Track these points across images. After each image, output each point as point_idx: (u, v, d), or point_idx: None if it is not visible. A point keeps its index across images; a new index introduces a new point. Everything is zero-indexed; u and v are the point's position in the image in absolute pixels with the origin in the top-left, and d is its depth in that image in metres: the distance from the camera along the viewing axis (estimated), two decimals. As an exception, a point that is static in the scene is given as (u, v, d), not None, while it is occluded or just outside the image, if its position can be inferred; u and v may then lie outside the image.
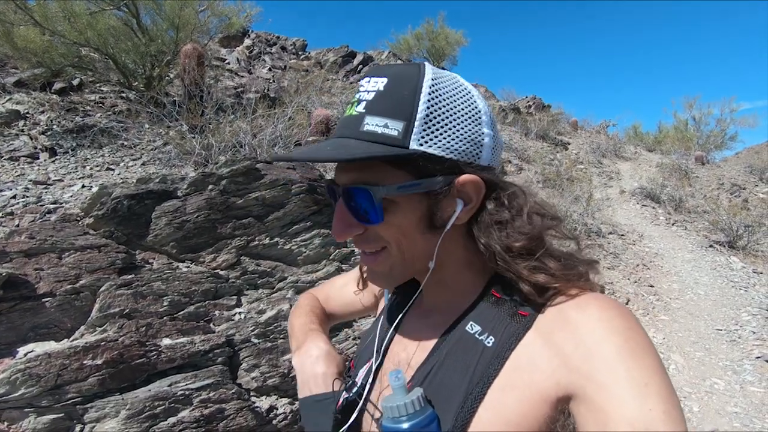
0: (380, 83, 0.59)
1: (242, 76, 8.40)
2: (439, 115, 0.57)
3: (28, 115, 4.46)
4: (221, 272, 2.84)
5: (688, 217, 9.50)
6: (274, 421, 2.35)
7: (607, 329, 0.51)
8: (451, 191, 0.59)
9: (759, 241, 7.98)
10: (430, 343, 0.65)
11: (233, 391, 2.27)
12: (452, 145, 0.58)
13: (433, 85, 0.58)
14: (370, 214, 0.59)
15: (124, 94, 5.63)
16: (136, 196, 2.79)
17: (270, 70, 9.71)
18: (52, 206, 3.03)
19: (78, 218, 2.80)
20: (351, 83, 10.88)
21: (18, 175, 3.50)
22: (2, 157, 3.73)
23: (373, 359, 0.71)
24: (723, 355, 4.52)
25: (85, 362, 2.00)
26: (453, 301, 0.66)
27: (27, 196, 3.14)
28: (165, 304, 2.45)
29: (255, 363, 2.46)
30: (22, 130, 4.19)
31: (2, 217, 2.83)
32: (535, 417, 0.51)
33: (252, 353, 2.48)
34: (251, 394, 2.40)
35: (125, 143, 4.48)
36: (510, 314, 0.59)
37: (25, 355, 1.97)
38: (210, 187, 3.01)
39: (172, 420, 2.07)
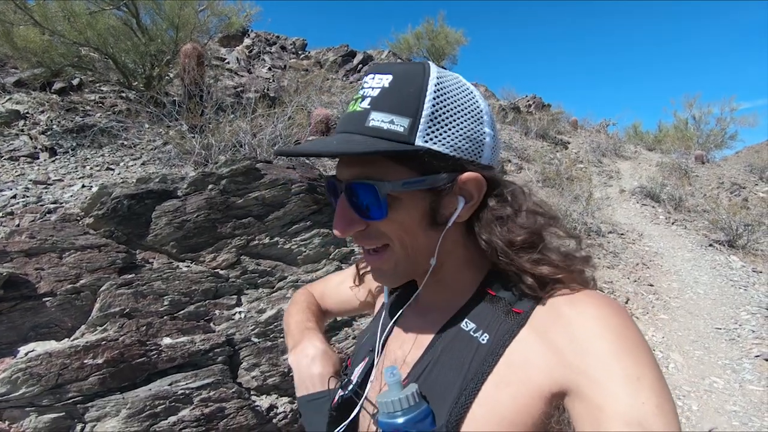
0: (385, 80, 0.59)
1: (242, 76, 8.40)
2: (444, 113, 0.58)
3: (28, 115, 4.47)
4: (221, 272, 2.84)
5: (687, 216, 9.50)
6: (274, 420, 2.36)
7: (601, 326, 0.52)
8: (453, 188, 0.60)
9: (759, 240, 7.98)
10: (426, 341, 0.66)
11: (233, 390, 2.28)
12: (456, 143, 0.59)
13: (438, 84, 0.59)
14: (372, 209, 0.59)
15: (123, 94, 5.63)
16: (136, 195, 2.79)
17: (270, 69, 9.71)
18: (52, 206, 3.03)
19: (78, 218, 2.81)
20: (351, 83, 10.88)
21: (18, 175, 3.51)
22: (2, 156, 3.74)
23: (375, 357, 0.72)
24: (722, 353, 4.53)
25: (85, 361, 2.01)
26: (450, 300, 0.67)
27: (27, 196, 3.14)
28: (165, 303, 2.45)
29: (255, 362, 2.47)
30: (22, 130, 4.20)
31: (2, 216, 2.84)
32: (529, 413, 0.52)
33: (252, 352, 2.48)
34: (251, 393, 2.40)
35: (125, 143, 4.48)
36: (505, 312, 0.60)
37: (26, 354, 1.98)
38: (210, 186, 3.02)
39: (172, 419, 2.08)
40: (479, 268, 0.67)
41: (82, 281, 2.33)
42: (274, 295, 2.90)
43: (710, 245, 7.84)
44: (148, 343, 2.20)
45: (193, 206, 2.89)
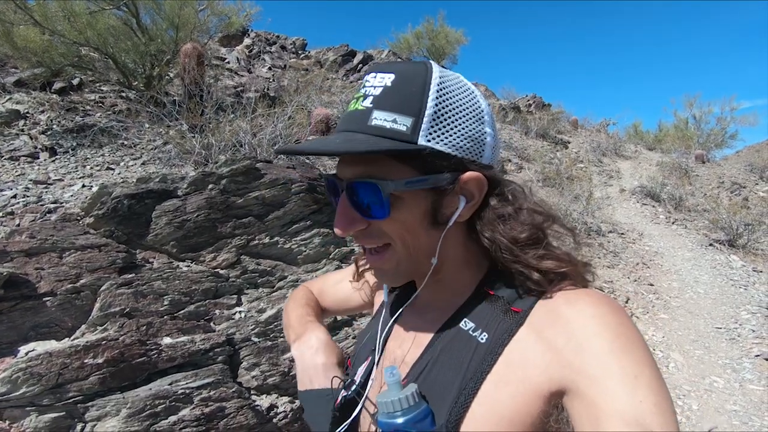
0: (387, 79, 0.59)
1: (242, 76, 8.40)
2: (446, 113, 0.58)
3: (28, 115, 4.47)
4: (221, 271, 2.84)
5: (688, 215, 9.50)
6: (274, 420, 2.36)
7: (599, 324, 0.52)
8: (455, 188, 0.60)
9: (759, 239, 7.98)
10: (425, 340, 0.66)
11: (234, 389, 2.28)
12: (458, 143, 0.59)
13: (440, 83, 0.59)
14: (374, 208, 0.59)
15: (124, 94, 5.63)
16: (136, 195, 2.80)
17: (270, 69, 9.70)
18: (52, 206, 3.04)
19: (78, 218, 2.81)
20: (351, 82, 10.88)
21: (18, 175, 3.51)
22: (2, 156, 3.74)
23: (375, 357, 0.72)
24: (722, 353, 4.53)
25: (86, 361, 2.01)
26: (449, 299, 0.67)
27: (27, 196, 3.14)
28: (165, 303, 2.45)
29: (255, 362, 2.47)
30: (22, 130, 4.20)
31: (3, 216, 2.84)
32: (528, 412, 0.52)
33: (252, 352, 2.49)
34: (252, 392, 2.40)
35: (125, 143, 4.49)
36: (503, 311, 0.60)
37: (26, 354, 1.98)
38: (210, 186, 3.02)
39: (172, 418, 2.08)
40: (478, 268, 0.67)
41: (82, 281, 2.33)
42: (274, 294, 2.90)
43: (710, 245, 7.84)
44: (148, 342, 2.20)
45: (194, 206, 2.89)
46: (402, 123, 0.57)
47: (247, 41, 10.84)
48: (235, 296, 2.77)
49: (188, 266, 2.76)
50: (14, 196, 3.11)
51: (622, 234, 7.77)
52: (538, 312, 0.58)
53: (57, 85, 5.20)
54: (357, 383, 0.70)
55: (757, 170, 13.00)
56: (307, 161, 4.56)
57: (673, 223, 8.92)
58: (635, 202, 9.96)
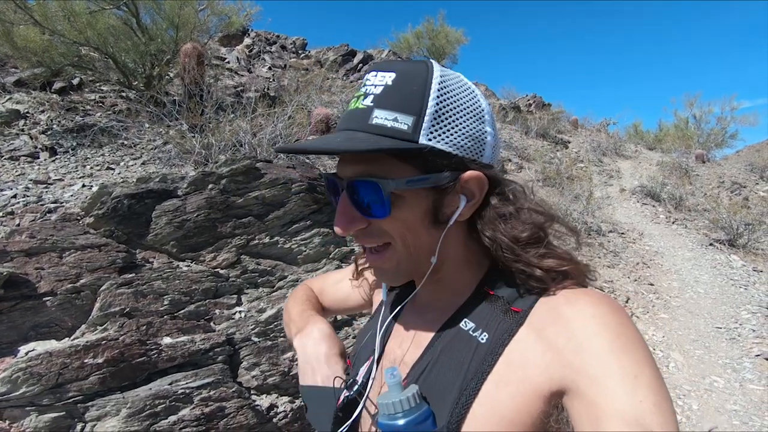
0: (388, 77, 0.59)
1: (242, 75, 8.40)
2: (448, 112, 0.58)
3: (28, 115, 4.47)
4: (221, 271, 2.84)
5: (688, 215, 9.50)
6: (274, 420, 2.36)
7: (599, 324, 0.52)
8: (455, 187, 0.60)
9: (759, 239, 7.98)
10: (425, 340, 0.65)
11: (234, 389, 2.28)
12: (458, 142, 0.59)
13: (441, 82, 0.59)
14: (375, 207, 0.59)
15: (124, 94, 5.63)
16: (136, 195, 2.80)
17: (270, 69, 9.70)
18: (52, 205, 3.04)
19: (78, 217, 2.81)
20: (351, 82, 10.88)
21: (18, 175, 3.51)
22: (2, 156, 3.74)
23: (374, 357, 0.72)
24: (723, 353, 4.53)
25: (86, 361, 2.01)
26: (449, 299, 0.67)
27: (27, 196, 3.14)
28: (165, 302, 2.45)
29: (255, 361, 2.47)
30: (23, 130, 4.20)
31: (3, 216, 2.84)
32: (528, 412, 0.52)
33: (252, 352, 2.49)
34: (252, 392, 2.40)
35: (125, 142, 4.48)
36: (503, 310, 0.60)
37: (26, 354, 1.98)
38: (210, 186, 3.02)
39: (172, 418, 2.08)
40: (479, 267, 0.67)
41: (82, 281, 2.33)
42: (274, 294, 2.90)
43: (711, 244, 7.84)
44: (148, 342, 2.21)
45: (193, 206, 2.89)
46: (403, 122, 0.56)
47: (247, 41, 10.83)
48: (235, 296, 2.77)
49: (188, 266, 2.76)
50: (14, 196, 3.11)
51: (623, 234, 7.77)
52: (538, 311, 0.58)
53: (57, 85, 5.20)
54: (359, 383, 0.70)
55: (757, 170, 13.00)
56: (307, 161, 4.56)
57: (673, 222, 8.92)
58: (635, 201, 9.96)
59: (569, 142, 14.22)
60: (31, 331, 2.12)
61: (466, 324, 0.62)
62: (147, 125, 4.87)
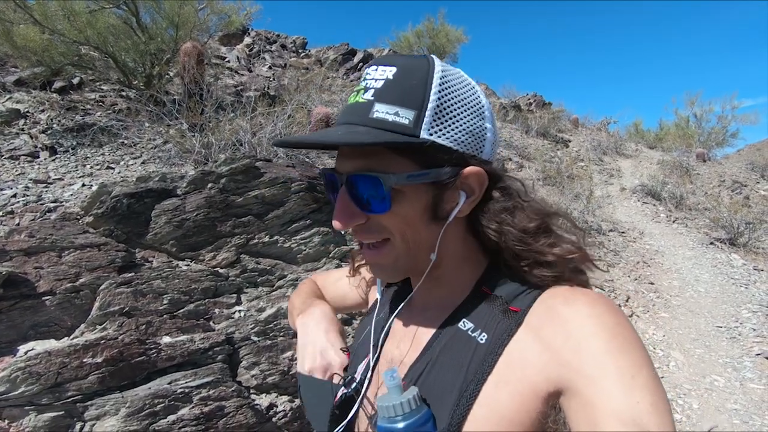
0: (389, 72, 0.58)
1: (242, 75, 8.40)
2: (449, 107, 0.58)
3: (28, 114, 4.47)
4: (221, 270, 2.84)
5: (689, 214, 9.49)
6: (273, 419, 2.36)
7: (596, 324, 0.52)
8: (455, 183, 0.59)
9: (760, 238, 7.97)
10: (423, 341, 0.65)
11: (233, 388, 2.28)
12: (459, 137, 0.58)
13: (443, 77, 0.58)
14: (375, 202, 0.59)
15: (124, 93, 5.63)
16: (135, 194, 2.79)
17: (270, 68, 9.69)
18: (52, 205, 3.03)
19: (78, 217, 2.81)
20: (351, 81, 10.86)
21: (18, 174, 3.51)
22: (2, 155, 3.74)
23: (371, 355, 0.71)
24: (723, 352, 4.52)
25: (85, 360, 2.01)
26: (446, 298, 0.66)
27: (27, 195, 3.14)
28: (165, 302, 2.45)
29: (255, 361, 2.46)
30: (23, 129, 4.20)
31: (2, 215, 2.84)
32: (527, 412, 0.52)
33: (252, 351, 2.48)
34: (251, 391, 2.40)
35: (125, 142, 4.48)
36: (502, 310, 0.60)
37: (26, 353, 1.98)
38: (209, 185, 3.01)
39: (172, 417, 2.08)
40: (477, 264, 0.66)
41: (81, 280, 2.33)
42: (273, 293, 2.89)
43: (711, 243, 7.83)
44: (147, 341, 2.20)
45: (193, 205, 2.89)
46: (404, 116, 0.56)
47: (247, 40, 10.83)
48: (235, 295, 2.76)
49: (188, 265, 2.76)
50: (14, 195, 3.11)
51: (623, 233, 7.76)
52: (536, 311, 0.58)
53: (57, 84, 5.20)
54: (357, 381, 0.69)
55: (758, 169, 12.98)
56: (307, 160, 4.56)
57: (673, 221, 8.91)
58: (636, 200, 9.95)
59: (570, 141, 14.21)
60: (30, 331, 2.12)
61: (465, 324, 0.61)
62: (147, 124, 4.86)
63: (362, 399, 0.67)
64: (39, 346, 2.05)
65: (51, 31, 5.00)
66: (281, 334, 2.65)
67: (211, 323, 2.55)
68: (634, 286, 5.82)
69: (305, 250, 3.16)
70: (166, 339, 2.28)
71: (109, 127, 4.53)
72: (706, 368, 4.24)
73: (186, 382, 2.17)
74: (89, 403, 1.97)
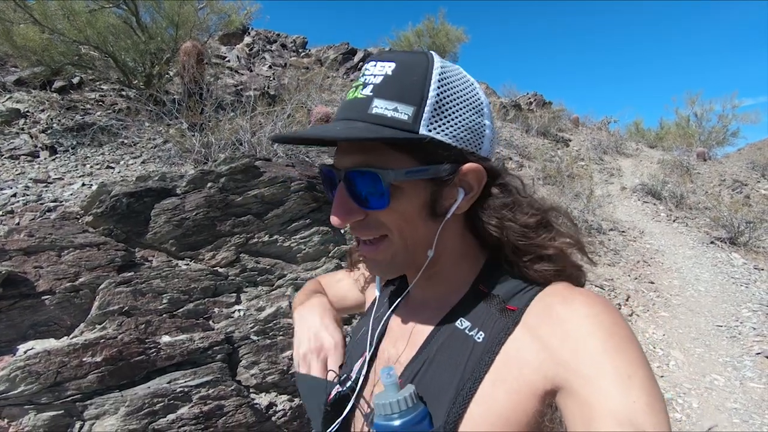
0: (388, 67, 0.58)
1: (242, 74, 8.39)
2: (448, 103, 0.58)
3: (28, 114, 4.47)
4: (220, 270, 2.84)
5: (689, 213, 9.48)
6: (273, 418, 2.36)
7: (593, 324, 0.52)
8: (454, 179, 0.59)
9: (760, 237, 7.96)
10: (420, 339, 0.65)
11: (232, 388, 2.28)
12: (458, 134, 0.58)
13: (442, 73, 0.58)
14: (373, 198, 0.59)
15: (123, 92, 5.63)
16: (135, 194, 2.79)
17: (270, 67, 9.69)
18: (52, 204, 3.04)
19: (77, 216, 2.81)
20: (351, 80, 10.86)
21: (18, 174, 3.51)
22: (2, 155, 3.74)
23: (367, 354, 0.71)
24: (723, 351, 4.52)
25: (84, 359, 2.01)
26: (443, 297, 0.66)
27: (27, 195, 3.15)
28: (164, 301, 2.45)
29: (254, 360, 2.47)
30: (23, 129, 4.20)
31: (2, 215, 2.84)
32: (524, 410, 0.52)
33: (251, 350, 2.48)
34: (250, 391, 2.40)
35: (125, 141, 4.48)
36: (499, 309, 0.60)
37: (25, 352, 1.98)
38: (209, 184, 3.01)
39: (171, 417, 2.08)
40: (475, 261, 0.66)
41: (81, 279, 2.33)
42: (273, 293, 2.89)
43: (711, 242, 7.82)
44: (147, 341, 2.20)
45: (192, 204, 2.89)
46: (403, 112, 0.56)
47: (247, 39, 10.83)
48: (234, 294, 2.76)
49: (187, 264, 2.76)
50: (14, 195, 3.11)
51: (623, 232, 7.76)
52: (533, 310, 0.58)
53: (57, 84, 5.20)
54: (353, 379, 0.69)
55: (758, 168, 12.96)
56: (307, 159, 4.56)
57: (674, 221, 8.90)
58: (636, 200, 9.94)
59: (570, 141, 14.20)
60: (29, 330, 2.12)
61: (462, 323, 0.61)
62: (147, 124, 4.86)
63: (358, 397, 0.67)
64: (38, 345, 2.05)
65: (51, 31, 5.00)
66: (281, 333, 2.65)
67: (210, 322, 2.55)
68: (635, 285, 5.82)
69: (305, 249, 3.16)
70: (166, 338, 2.28)
71: (109, 127, 4.53)
72: (706, 367, 4.24)
73: (185, 382, 2.17)
74: (89, 402, 1.97)
